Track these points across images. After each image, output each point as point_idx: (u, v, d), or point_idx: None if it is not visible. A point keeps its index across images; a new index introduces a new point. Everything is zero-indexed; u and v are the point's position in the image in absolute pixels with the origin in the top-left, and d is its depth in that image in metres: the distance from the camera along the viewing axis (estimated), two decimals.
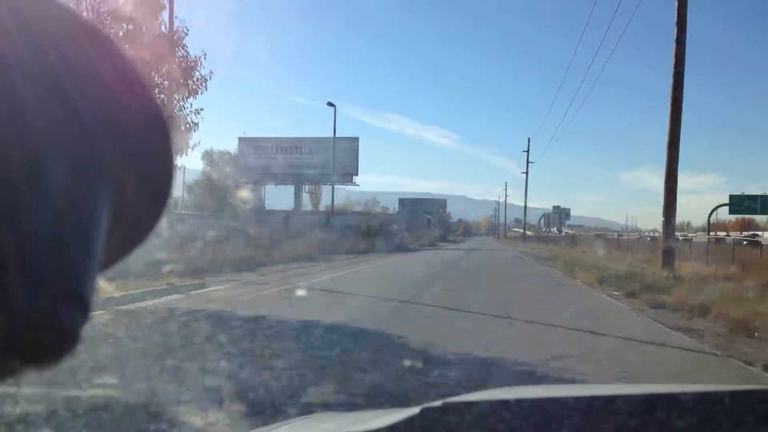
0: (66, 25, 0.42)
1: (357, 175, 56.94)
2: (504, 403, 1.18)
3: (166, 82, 11.63)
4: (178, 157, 11.80)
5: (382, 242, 41.30)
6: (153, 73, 10.83)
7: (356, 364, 5.75)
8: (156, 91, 10.40)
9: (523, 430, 1.16)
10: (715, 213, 38.29)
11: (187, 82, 11.86)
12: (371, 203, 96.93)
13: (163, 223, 0.58)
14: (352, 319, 8.25)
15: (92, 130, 0.42)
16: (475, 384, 4.88)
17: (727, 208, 34.60)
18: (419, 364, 5.58)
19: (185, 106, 12.12)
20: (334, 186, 53.83)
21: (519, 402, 1.19)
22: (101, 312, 7.79)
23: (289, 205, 57.31)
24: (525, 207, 67.72)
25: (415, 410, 1.14)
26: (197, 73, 12.19)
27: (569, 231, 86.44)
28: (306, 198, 73.69)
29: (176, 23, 12.42)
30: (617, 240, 40.74)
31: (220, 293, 11.59)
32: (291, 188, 56.67)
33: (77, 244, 0.41)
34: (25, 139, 0.38)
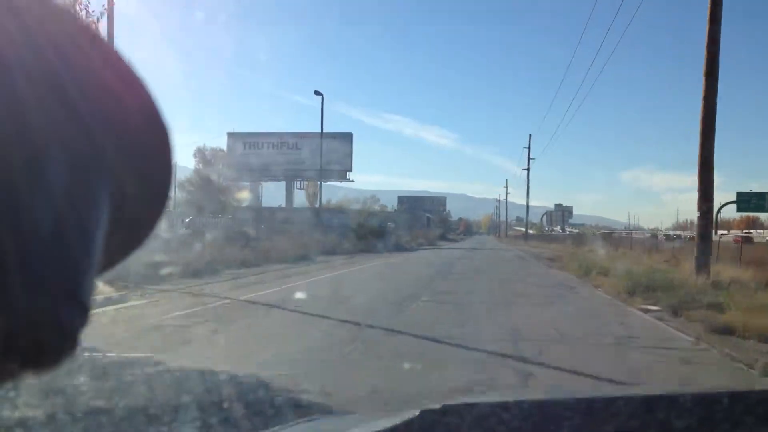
0: (66, 26, 0.42)
1: (351, 171, 53.97)
2: (503, 405, 1.19)
3: None
4: None
5: (377, 241, 38.31)
6: None
7: None
8: None
9: (523, 431, 1.15)
10: (719, 212, 35.32)
11: None
12: (370, 201, 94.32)
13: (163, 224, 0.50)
14: (259, 369, 5.21)
15: (92, 130, 0.42)
16: None
17: (730, 206, 31.76)
18: None
19: None
20: (322, 183, 50.65)
21: (519, 403, 1.19)
22: None
23: (296, 199, 54.76)
24: (527, 204, 64.58)
25: (415, 413, 1.14)
26: None
27: (573, 230, 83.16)
28: (303, 195, 70.85)
29: None
30: (629, 239, 37.66)
31: (125, 313, 8.53)
32: (291, 185, 53.88)
33: (77, 245, 0.40)
34: (25, 139, 0.38)
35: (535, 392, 1.75)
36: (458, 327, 7.77)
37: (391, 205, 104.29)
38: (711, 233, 15.70)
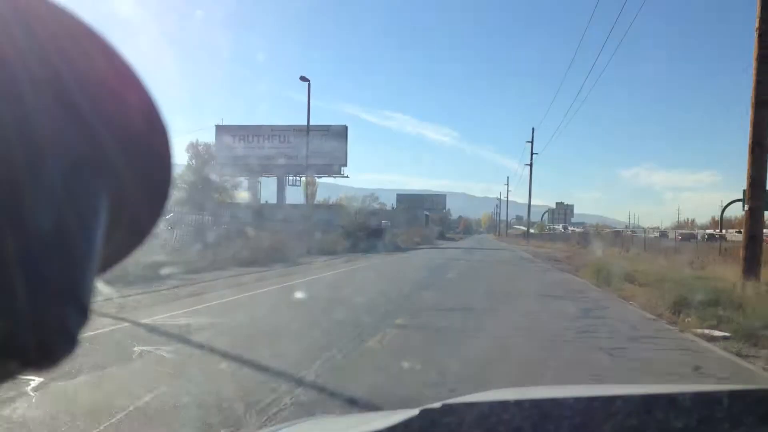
0: (67, 27, 0.41)
1: (346, 166, 51.00)
2: (503, 404, 1.18)
3: None
4: None
5: (370, 241, 35.46)
6: None
7: None
8: None
9: (523, 430, 1.15)
10: (720, 210, 32.86)
11: None
12: (369, 199, 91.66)
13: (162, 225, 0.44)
14: None
15: (93, 130, 0.42)
16: None
17: (731, 205, 29.35)
18: None
19: None
20: (315, 179, 47.76)
21: (518, 403, 1.19)
22: None
23: (291, 199, 51.98)
24: (529, 200, 61.53)
25: (414, 412, 1.14)
26: None
27: (576, 228, 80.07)
28: (300, 192, 68.01)
29: None
30: (639, 238, 34.72)
31: None
32: (297, 180, 51.06)
33: (77, 245, 0.40)
34: (26, 139, 0.38)
35: (535, 392, 1.42)
36: (436, 386, 4.62)
37: (391, 203, 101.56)
38: (762, 233, 12.86)
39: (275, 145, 50.80)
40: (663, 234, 37.14)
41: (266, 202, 52.41)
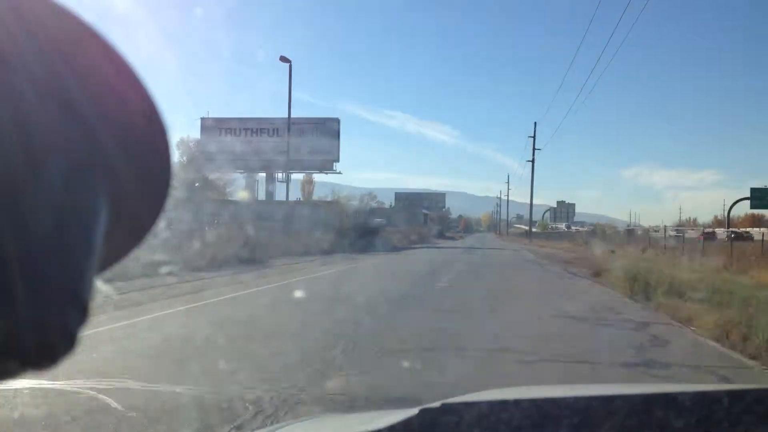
0: (67, 27, 0.41)
1: (338, 161, 47.81)
2: (502, 404, 1.17)
3: None
4: None
5: (362, 240, 32.34)
6: None
7: None
8: None
9: (522, 430, 1.14)
10: (723, 209, 30.42)
11: None
12: (367, 198, 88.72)
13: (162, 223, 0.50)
14: None
15: (92, 129, 0.42)
16: None
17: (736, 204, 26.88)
18: None
19: None
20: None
21: (517, 402, 1.17)
22: None
23: (292, 195, 49.05)
24: (531, 198, 58.33)
25: (414, 411, 1.13)
26: None
27: (580, 228, 76.81)
28: (291, 189, 64.90)
29: None
30: (652, 237, 31.64)
31: None
32: (294, 176, 48.01)
33: (77, 244, 0.40)
34: (26, 139, 0.38)
35: (535, 391, 1.40)
36: None
37: (390, 202, 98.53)
38: None
39: (264, 139, 47.61)
40: (679, 232, 33.97)
41: (265, 199, 49.26)
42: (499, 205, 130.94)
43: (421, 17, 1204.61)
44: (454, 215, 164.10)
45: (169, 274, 12.69)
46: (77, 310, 0.40)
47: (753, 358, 5.77)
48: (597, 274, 15.59)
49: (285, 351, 5.63)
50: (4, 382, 0.39)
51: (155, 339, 6.21)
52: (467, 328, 7.06)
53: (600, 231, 44.07)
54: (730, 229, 26.17)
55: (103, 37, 0.42)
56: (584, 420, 1.14)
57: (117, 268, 0.51)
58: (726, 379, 4.93)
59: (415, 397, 3.88)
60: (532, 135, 58.98)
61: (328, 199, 52.74)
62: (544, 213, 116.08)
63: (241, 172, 46.85)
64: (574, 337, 6.72)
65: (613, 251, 31.29)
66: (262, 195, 50.30)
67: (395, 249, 34.80)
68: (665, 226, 37.47)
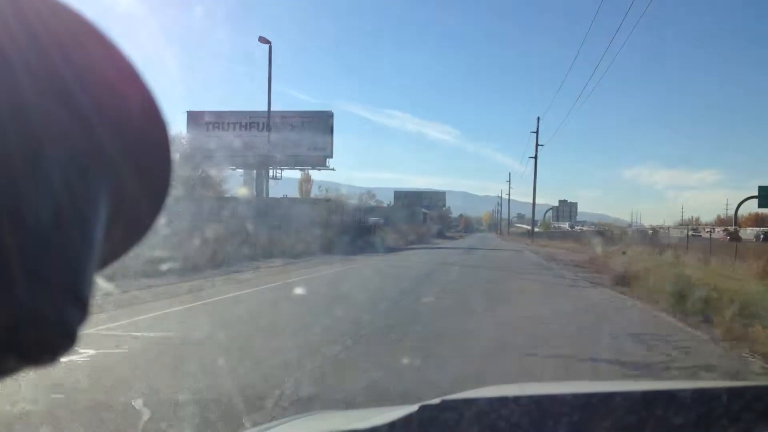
0: (67, 22, 0.41)
1: (332, 157, 45.01)
2: (502, 401, 1.15)
3: None
4: None
5: (353, 240, 29.65)
6: None
7: None
8: None
9: (521, 427, 1.12)
10: (725, 208, 28.26)
11: None
12: (366, 196, 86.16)
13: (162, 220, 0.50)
14: None
15: (92, 126, 0.41)
16: None
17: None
18: None
19: None
20: (274, 170, 42.05)
21: (517, 399, 1.15)
22: None
23: (291, 194, 46.43)
24: (534, 196, 55.56)
25: (414, 408, 1.12)
26: None
27: (583, 227, 73.91)
28: (295, 187, 62.19)
29: None
30: (669, 237, 28.91)
31: None
32: (291, 175, 45.41)
33: (77, 241, 0.40)
34: (25, 135, 0.37)
35: (534, 388, 1.41)
36: None
37: (390, 201, 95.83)
38: None
39: (255, 133, 44.80)
40: (695, 232, 31.20)
41: (232, 195, 46.40)
42: (500, 204, 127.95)
43: (421, 18, 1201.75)
44: (454, 214, 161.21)
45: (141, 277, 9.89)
46: (77, 306, 0.39)
47: None
48: (621, 281, 12.83)
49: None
50: (3, 378, 0.39)
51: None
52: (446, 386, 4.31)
53: (606, 230, 41.16)
54: (762, 228, 24.10)
55: (102, 33, 0.41)
56: (584, 417, 1.13)
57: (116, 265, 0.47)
58: None
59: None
60: (535, 130, 56.28)
61: (319, 196, 50.03)
62: (546, 212, 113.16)
63: (232, 168, 44.17)
64: None
65: (624, 252, 28.58)
66: (282, 192, 47.73)
67: (390, 250, 32.08)
68: (689, 226, 34.75)
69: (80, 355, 4.93)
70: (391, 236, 42.42)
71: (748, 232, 29.06)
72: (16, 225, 0.36)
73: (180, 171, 36.25)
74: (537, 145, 55.35)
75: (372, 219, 45.18)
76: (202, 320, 7.47)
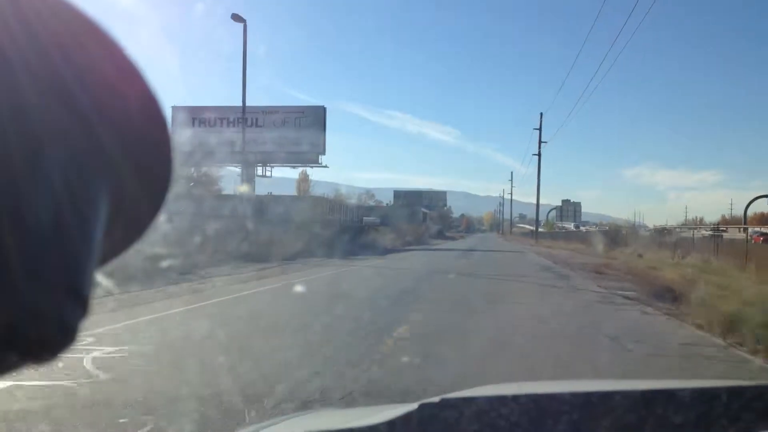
0: (67, 21, 0.40)
1: (324, 154, 42.10)
2: (501, 399, 1.14)
3: None
4: None
5: (343, 242, 26.78)
6: None
7: None
8: None
9: (521, 426, 1.11)
10: (730, 208, 26.13)
11: None
12: (365, 196, 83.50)
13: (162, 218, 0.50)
14: None
15: (92, 125, 0.41)
16: None
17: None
18: None
19: None
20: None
21: (516, 398, 1.14)
22: None
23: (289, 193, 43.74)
24: (537, 194, 52.60)
25: (413, 406, 1.10)
26: None
27: (589, 227, 70.78)
28: (293, 185, 59.36)
29: None
30: (689, 238, 25.99)
31: None
32: (291, 175, 42.55)
33: (77, 239, 0.40)
34: (26, 134, 0.37)
35: (533, 386, 1.36)
36: None
37: (390, 201, 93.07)
38: None
39: (240, 129, 41.92)
40: (717, 232, 28.20)
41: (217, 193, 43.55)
42: (501, 204, 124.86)
43: (422, 18, 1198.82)
44: (456, 214, 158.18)
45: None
46: (77, 303, 0.39)
47: None
48: (663, 296, 9.87)
49: None
50: (4, 375, 0.39)
51: None
52: None
53: (613, 230, 38.11)
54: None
55: (104, 31, 0.41)
56: (583, 416, 1.12)
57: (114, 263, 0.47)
58: None
59: None
60: (538, 127, 53.37)
61: (310, 194, 47.17)
62: (549, 212, 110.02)
63: (217, 166, 41.32)
64: None
65: (640, 255, 25.68)
66: (281, 191, 44.88)
67: (385, 251, 29.24)
68: (718, 225, 31.89)
69: None
70: (387, 237, 39.58)
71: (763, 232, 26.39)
72: (16, 224, 0.35)
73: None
74: (540, 141, 52.47)
75: (366, 219, 42.21)
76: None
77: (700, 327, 7.35)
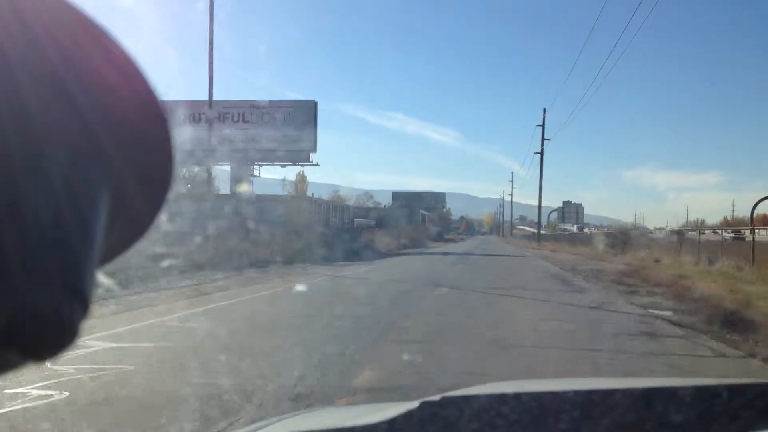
0: (66, 21, 0.40)
1: (315, 152, 39.49)
2: (502, 398, 1.13)
3: None
4: None
5: (330, 245, 24.25)
6: None
7: None
8: None
9: (522, 424, 1.11)
10: (732, 210, 23.72)
11: None
12: (363, 198, 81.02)
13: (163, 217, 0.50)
14: None
15: (92, 125, 0.41)
16: None
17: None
18: None
19: None
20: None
21: (517, 396, 1.14)
22: None
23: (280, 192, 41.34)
24: (540, 194, 50.01)
25: (414, 404, 1.10)
26: None
27: (592, 230, 68.17)
28: (288, 185, 56.95)
29: None
30: (708, 241, 23.51)
31: None
32: (289, 171, 39.97)
33: (77, 239, 0.40)
34: (25, 134, 0.37)
35: (534, 385, 1.51)
36: None
37: (389, 202, 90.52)
38: None
39: (227, 125, 39.37)
40: (737, 234, 25.64)
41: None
42: (501, 206, 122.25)
43: (422, 19, 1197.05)
44: (455, 216, 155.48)
45: None
46: (78, 302, 0.39)
47: None
48: (727, 323, 7.28)
49: None
50: (5, 374, 0.39)
51: None
52: None
53: (622, 232, 35.47)
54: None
55: (103, 30, 0.41)
56: (584, 414, 1.12)
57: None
58: None
59: None
60: (540, 124, 50.85)
61: (312, 196, 44.67)
62: (550, 213, 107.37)
63: (197, 165, 38.79)
64: None
65: (657, 260, 23.15)
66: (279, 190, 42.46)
67: (376, 256, 26.68)
68: (738, 228, 29.33)
69: None
70: (382, 239, 37.06)
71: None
72: (16, 224, 0.35)
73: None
74: (543, 139, 49.94)
75: (358, 221, 39.59)
76: None
77: None
